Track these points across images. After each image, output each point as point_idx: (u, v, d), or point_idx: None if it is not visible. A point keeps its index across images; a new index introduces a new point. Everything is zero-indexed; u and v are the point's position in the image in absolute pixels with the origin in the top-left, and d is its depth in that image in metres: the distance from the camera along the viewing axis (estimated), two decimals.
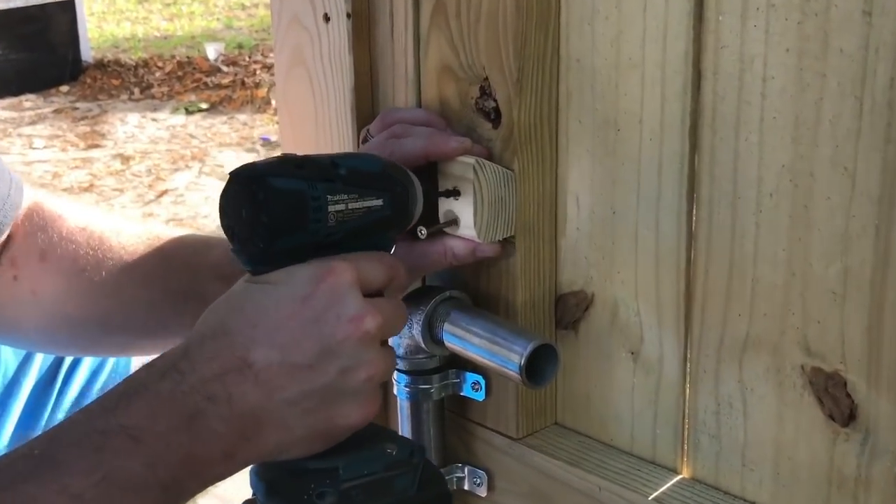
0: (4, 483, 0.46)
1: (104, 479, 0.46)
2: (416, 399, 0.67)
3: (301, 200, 0.51)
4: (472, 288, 0.66)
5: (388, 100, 0.69)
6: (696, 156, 0.57)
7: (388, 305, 0.54)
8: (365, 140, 0.66)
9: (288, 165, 0.52)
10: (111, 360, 0.91)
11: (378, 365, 0.53)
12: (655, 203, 0.60)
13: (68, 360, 0.90)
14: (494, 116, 0.62)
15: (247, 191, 0.51)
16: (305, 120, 0.73)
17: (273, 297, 0.51)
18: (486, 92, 0.62)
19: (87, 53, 5.12)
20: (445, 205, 0.62)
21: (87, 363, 0.91)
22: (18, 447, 0.48)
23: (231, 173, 0.52)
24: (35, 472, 0.46)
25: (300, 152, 0.74)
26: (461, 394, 0.68)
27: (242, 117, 4.37)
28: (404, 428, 0.68)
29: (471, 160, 0.60)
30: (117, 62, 5.18)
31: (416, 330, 0.64)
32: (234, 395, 0.50)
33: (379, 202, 0.54)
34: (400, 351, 0.66)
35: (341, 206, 0.52)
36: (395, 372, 0.67)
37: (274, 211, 0.50)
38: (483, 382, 0.67)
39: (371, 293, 0.53)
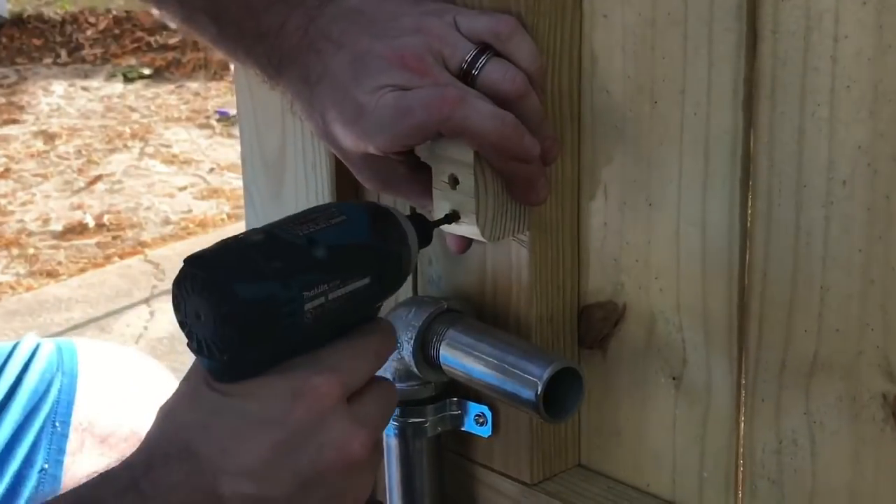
0: None
1: None
2: (406, 436, 0.67)
3: (273, 308, 0.51)
4: (475, 298, 0.66)
5: None
6: (752, 134, 0.57)
7: (376, 403, 0.56)
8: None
9: (255, 260, 0.52)
10: (50, 398, 0.93)
11: (367, 484, 0.55)
12: (701, 193, 0.60)
13: None
14: None
15: (206, 297, 0.51)
16: (268, 97, 0.72)
17: (244, 418, 0.53)
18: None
19: (2, 7, 5.13)
20: (441, 196, 0.62)
21: (21, 402, 0.92)
22: None
23: (186, 262, 0.52)
24: None
25: (264, 133, 0.75)
26: (462, 429, 0.68)
27: (194, 86, 4.38)
28: (392, 471, 0.68)
29: None
30: (39, 17, 5.18)
31: (407, 351, 0.64)
32: None
33: (366, 281, 0.54)
34: (386, 376, 0.66)
35: (320, 301, 0.52)
36: None
37: (240, 326, 0.51)
38: (489, 415, 0.67)
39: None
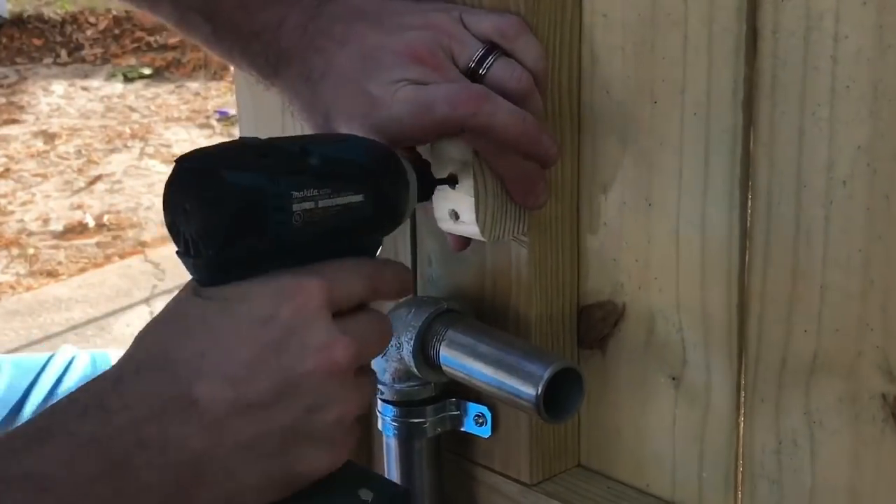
0: None
1: None
2: (405, 436, 0.67)
3: (260, 199, 0.50)
4: (475, 298, 0.66)
5: None
6: (752, 134, 0.57)
7: (365, 325, 0.54)
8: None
9: (247, 154, 0.51)
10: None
11: (351, 402, 0.53)
12: (701, 193, 0.60)
13: (26, 412, 0.91)
14: None
15: (195, 185, 0.51)
16: (267, 93, 0.72)
17: (225, 320, 0.51)
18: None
19: (2, 7, 5.13)
20: (441, 196, 0.62)
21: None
22: None
23: (177, 161, 0.52)
24: None
25: (264, 132, 0.75)
26: (462, 429, 0.68)
27: (194, 86, 4.38)
28: (391, 471, 0.68)
29: None
30: (39, 17, 5.19)
31: (406, 351, 0.64)
32: (172, 440, 0.49)
33: (359, 198, 0.54)
34: (386, 377, 0.66)
35: (309, 205, 0.52)
36: (381, 403, 0.68)
37: (226, 212, 0.50)
38: (489, 415, 0.67)
39: (347, 311, 0.53)
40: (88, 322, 2.99)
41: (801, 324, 0.57)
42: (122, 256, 3.23)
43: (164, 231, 3.39)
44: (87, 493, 0.48)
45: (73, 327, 2.96)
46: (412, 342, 0.64)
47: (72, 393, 0.51)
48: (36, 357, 0.98)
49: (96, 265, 3.22)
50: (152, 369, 0.51)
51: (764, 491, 0.61)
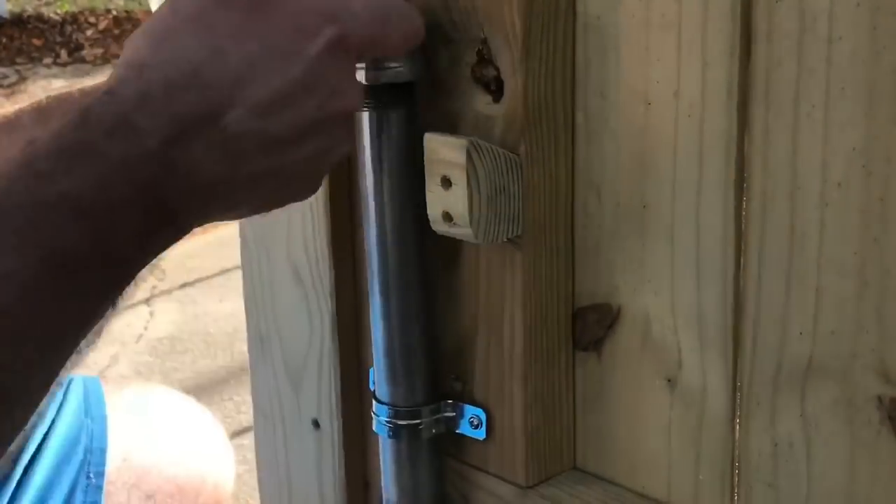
0: None
1: (42, 259, 0.45)
2: (401, 438, 0.67)
3: None
4: (467, 299, 0.66)
5: None
6: (746, 136, 0.57)
7: None
8: None
9: None
10: (81, 447, 0.92)
11: (349, 140, 0.56)
12: (696, 195, 0.60)
13: (31, 448, 0.90)
14: (495, 88, 0.62)
15: None
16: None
17: (263, 45, 0.50)
18: (484, 57, 0.62)
19: (2, 7, 5.13)
20: (434, 198, 0.62)
21: (53, 449, 0.91)
22: None
23: None
24: None
25: None
26: (457, 431, 0.68)
27: None
28: (387, 473, 0.68)
29: (463, 141, 0.60)
30: (39, 17, 5.19)
31: None
32: (197, 165, 0.49)
33: None
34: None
35: None
36: (376, 404, 0.68)
37: None
38: (483, 417, 0.67)
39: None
40: None
41: (797, 326, 0.57)
42: None
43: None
44: (119, 217, 0.48)
45: None
46: None
47: (90, 103, 0.49)
48: None
49: None
50: (183, 88, 0.49)
51: (760, 494, 0.61)
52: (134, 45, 0.51)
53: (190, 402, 1.07)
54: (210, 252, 3.16)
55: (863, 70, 0.52)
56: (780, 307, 0.58)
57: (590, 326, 0.66)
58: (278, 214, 0.74)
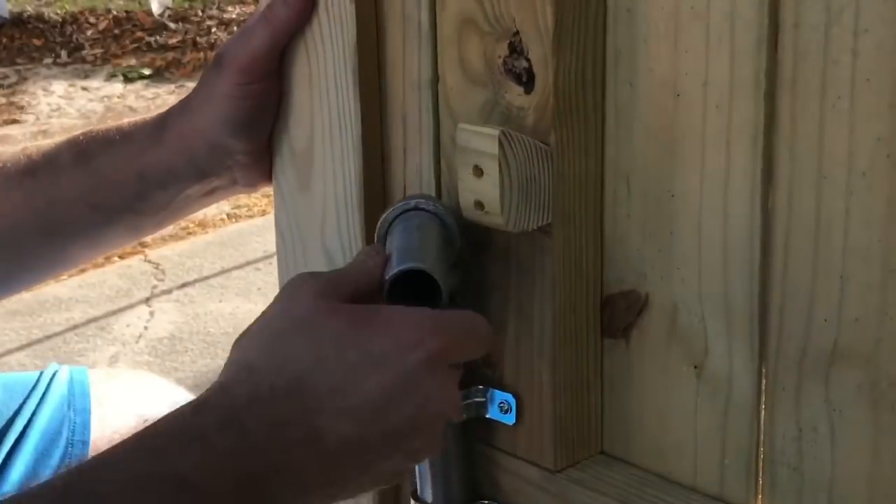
0: None
1: None
2: None
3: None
4: (498, 286, 0.67)
5: (398, 59, 0.70)
6: (773, 127, 0.58)
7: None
8: None
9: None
10: (63, 440, 0.93)
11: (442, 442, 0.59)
12: (723, 184, 0.60)
13: (9, 441, 0.91)
14: (527, 79, 0.63)
15: None
16: (297, 84, 0.73)
17: (361, 357, 0.54)
18: (516, 49, 0.63)
19: (2, 7, 5.12)
20: (466, 187, 0.63)
21: (33, 443, 0.92)
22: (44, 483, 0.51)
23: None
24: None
25: (291, 120, 0.76)
26: (487, 416, 0.69)
27: (194, 86, 4.38)
28: None
29: (495, 131, 0.61)
30: (39, 17, 5.18)
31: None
32: (295, 467, 0.54)
33: None
34: None
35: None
36: None
37: None
38: (513, 402, 0.68)
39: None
40: (88, 322, 2.99)
41: (822, 313, 0.58)
42: (121, 256, 3.23)
43: (164, 231, 3.39)
44: (223, 499, 0.52)
45: (73, 327, 2.96)
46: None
47: (207, 396, 0.54)
48: (25, 377, 0.97)
49: (96, 265, 3.21)
50: (286, 398, 0.54)
51: (784, 478, 0.62)
52: (247, 345, 0.56)
53: (178, 390, 1.07)
54: (210, 252, 3.16)
55: (888, 61, 0.53)
56: (806, 294, 0.59)
57: (618, 313, 0.67)
58: (313, 203, 0.75)
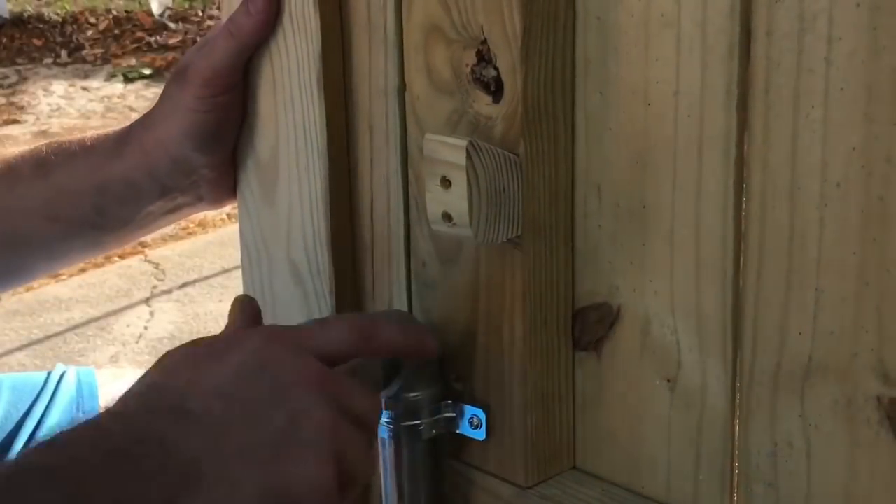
0: None
1: None
2: (401, 439, 0.67)
3: None
4: (469, 300, 0.66)
5: (364, 67, 0.69)
6: (746, 136, 0.57)
7: (354, 383, 0.60)
8: None
9: None
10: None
11: (328, 409, 0.57)
12: (695, 195, 0.60)
13: (18, 443, 0.92)
14: (495, 88, 0.62)
15: None
16: (261, 94, 0.73)
17: (214, 361, 0.57)
18: (484, 57, 0.62)
19: (3, 7, 5.13)
20: (434, 198, 0.62)
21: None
22: None
23: None
24: None
25: (261, 132, 0.75)
26: (457, 431, 0.68)
27: None
28: (387, 474, 0.68)
29: (463, 142, 0.60)
30: (39, 17, 5.19)
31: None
32: (170, 440, 0.53)
33: None
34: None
35: None
36: None
37: None
38: (483, 417, 0.67)
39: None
40: (88, 322, 3.00)
41: (796, 326, 0.57)
42: (122, 256, 3.24)
43: (165, 231, 3.40)
44: (93, 476, 0.51)
45: (73, 327, 2.97)
46: None
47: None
48: (33, 378, 0.98)
49: (96, 265, 3.22)
50: (144, 394, 0.57)
51: (760, 494, 0.61)
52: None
53: None
54: (210, 252, 3.17)
55: (862, 70, 0.52)
56: (780, 307, 0.58)
57: (590, 326, 0.66)
58: (278, 214, 0.74)
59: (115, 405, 0.56)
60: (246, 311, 0.65)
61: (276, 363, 0.57)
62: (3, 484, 0.50)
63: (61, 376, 0.97)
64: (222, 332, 0.63)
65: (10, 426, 0.93)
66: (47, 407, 0.94)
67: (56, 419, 0.93)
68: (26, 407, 0.94)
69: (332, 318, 0.61)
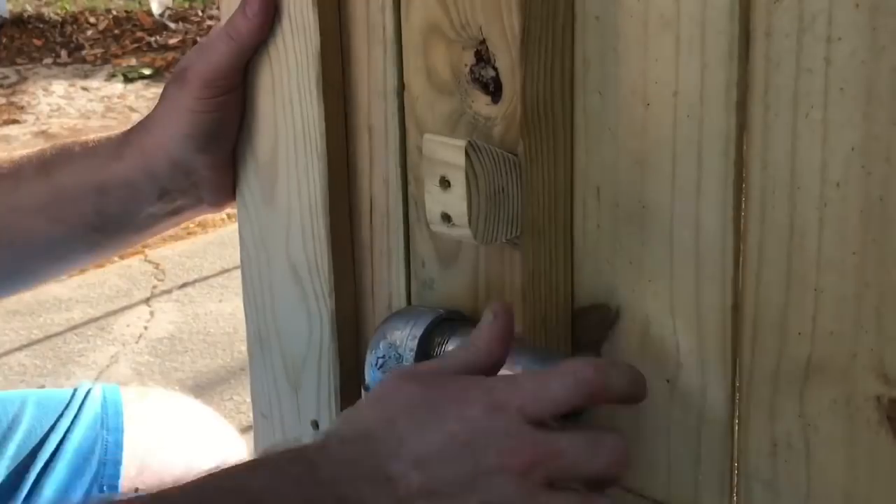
0: None
1: None
2: None
3: None
4: (468, 301, 0.66)
5: (363, 68, 0.69)
6: (745, 137, 0.57)
7: (573, 438, 0.57)
8: None
9: None
10: (95, 459, 0.93)
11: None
12: (695, 195, 0.59)
13: (41, 459, 0.91)
14: (494, 88, 0.62)
15: None
16: (260, 95, 0.73)
17: (429, 413, 0.56)
18: (483, 58, 0.62)
19: (2, 7, 5.13)
20: (433, 199, 0.61)
21: (66, 461, 0.92)
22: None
23: None
24: None
25: (261, 132, 0.75)
26: None
27: None
28: None
29: (462, 142, 0.60)
30: (39, 17, 5.19)
31: (408, 360, 0.64)
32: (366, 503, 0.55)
33: None
34: None
35: None
36: None
37: None
38: None
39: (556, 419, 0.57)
40: (88, 322, 2.99)
41: (796, 327, 0.57)
42: (122, 257, 3.23)
43: (164, 231, 3.41)
44: None
45: (73, 327, 2.96)
46: (414, 352, 0.64)
47: (274, 445, 0.59)
48: (58, 395, 0.97)
49: (96, 265, 3.22)
50: (355, 443, 0.56)
51: (759, 494, 0.61)
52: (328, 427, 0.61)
53: (208, 411, 1.07)
54: (210, 252, 3.16)
55: (862, 70, 0.52)
56: (780, 308, 0.58)
57: (590, 327, 0.66)
58: (277, 214, 0.74)
59: (320, 444, 0.57)
60: (494, 330, 0.60)
61: (486, 443, 0.55)
62: (196, 494, 0.53)
63: (87, 393, 0.97)
64: (455, 360, 0.60)
65: (34, 442, 0.92)
66: (72, 423, 0.94)
67: (80, 436, 0.93)
68: (51, 423, 0.93)
69: (565, 370, 0.57)
